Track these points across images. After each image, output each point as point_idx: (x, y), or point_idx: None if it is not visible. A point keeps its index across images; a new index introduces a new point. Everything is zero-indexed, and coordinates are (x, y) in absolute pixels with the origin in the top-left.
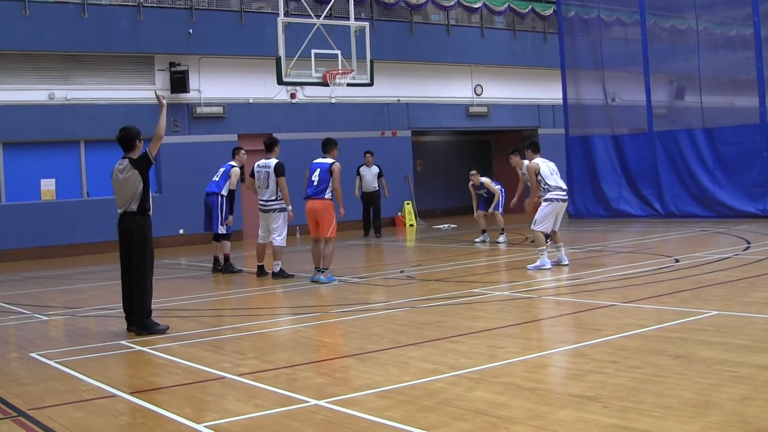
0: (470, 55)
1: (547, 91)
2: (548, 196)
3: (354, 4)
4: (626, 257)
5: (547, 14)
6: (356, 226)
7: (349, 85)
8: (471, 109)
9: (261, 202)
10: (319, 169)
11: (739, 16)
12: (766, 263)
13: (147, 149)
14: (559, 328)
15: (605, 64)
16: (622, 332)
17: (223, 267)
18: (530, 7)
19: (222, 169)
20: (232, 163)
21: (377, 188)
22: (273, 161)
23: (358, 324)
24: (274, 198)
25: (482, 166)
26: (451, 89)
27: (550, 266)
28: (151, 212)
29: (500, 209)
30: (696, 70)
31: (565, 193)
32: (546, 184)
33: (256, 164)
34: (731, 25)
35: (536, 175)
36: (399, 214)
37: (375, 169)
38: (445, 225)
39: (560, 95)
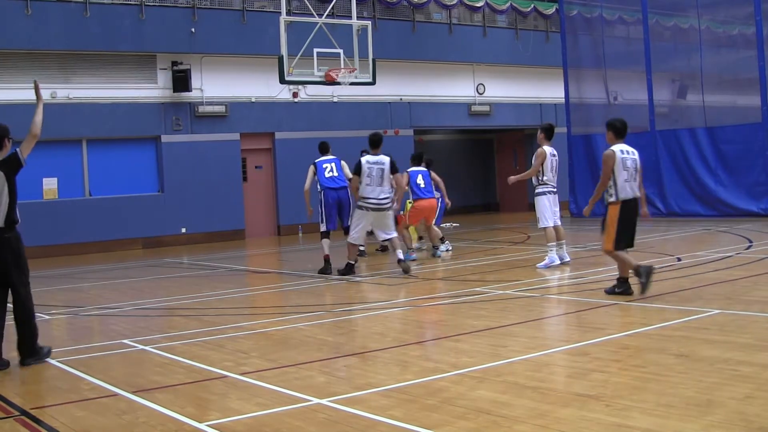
0: (472, 53)
1: (549, 90)
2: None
3: (356, 3)
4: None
5: (550, 13)
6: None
7: (351, 84)
8: (473, 108)
9: (373, 201)
10: (421, 175)
11: (741, 15)
12: (766, 262)
13: (17, 150)
14: (562, 326)
15: (607, 63)
16: (625, 331)
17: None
18: (532, 5)
19: (332, 164)
20: (331, 156)
21: None
22: (386, 158)
23: (360, 323)
24: (388, 196)
25: (484, 165)
26: (453, 88)
27: (559, 262)
28: (18, 224)
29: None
30: (698, 69)
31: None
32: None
33: (364, 161)
34: (733, 24)
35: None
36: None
37: None
38: (448, 224)
39: (562, 94)
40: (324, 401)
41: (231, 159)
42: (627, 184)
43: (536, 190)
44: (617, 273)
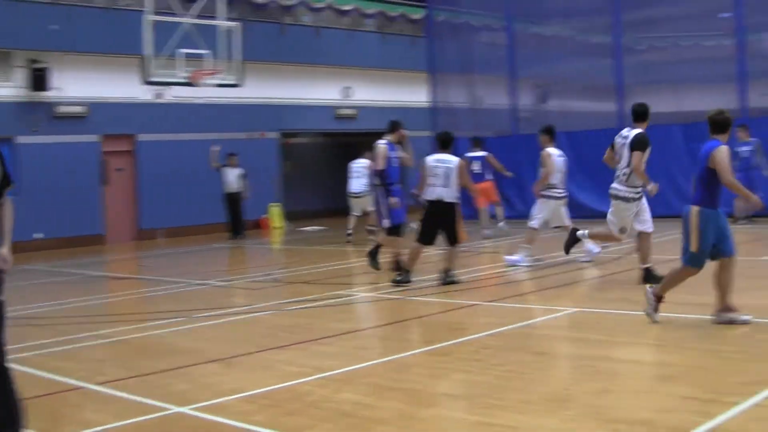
0: (339, 57)
1: (415, 94)
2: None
3: (224, 4)
4: (490, 257)
5: (417, 18)
6: (221, 228)
7: (217, 85)
8: (339, 111)
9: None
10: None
11: (601, 24)
12: (621, 261)
13: None
14: (424, 328)
15: (472, 68)
16: (486, 331)
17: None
18: (400, 10)
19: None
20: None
21: (240, 189)
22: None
23: (223, 328)
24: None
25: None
26: (320, 91)
27: (526, 265)
28: None
29: None
30: (559, 75)
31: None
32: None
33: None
34: (593, 32)
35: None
36: (265, 216)
37: (238, 171)
38: (312, 227)
39: (428, 98)
40: (185, 409)
41: (91, 161)
42: (431, 188)
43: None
44: (480, 273)
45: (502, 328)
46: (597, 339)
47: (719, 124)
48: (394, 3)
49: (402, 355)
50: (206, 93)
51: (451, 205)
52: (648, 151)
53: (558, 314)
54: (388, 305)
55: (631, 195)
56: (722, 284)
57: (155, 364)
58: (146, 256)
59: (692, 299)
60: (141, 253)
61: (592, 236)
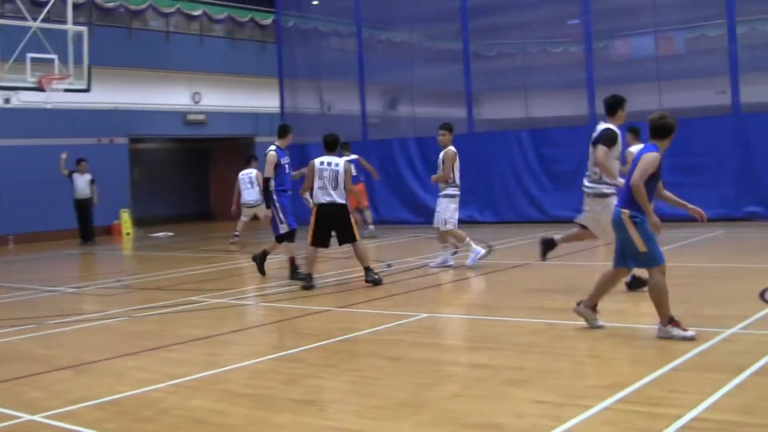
0: (189, 62)
1: (265, 100)
2: None
3: (72, 8)
4: (342, 263)
5: (266, 23)
6: (72, 234)
7: (65, 90)
8: (189, 117)
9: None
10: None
11: (450, 31)
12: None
13: None
14: (277, 333)
15: (322, 74)
16: (338, 336)
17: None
18: (250, 16)
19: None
20: None
21: (89, 195)
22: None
23: (73, 335)
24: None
25: (200, 174)
26: (169, 96)
27: (484, 252)
28: None
29: None
30: (409, 81)
31: None
32: None
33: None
34: (442, 39)
35: None
36: (116, 222)
37: (88, 176)
38: (163, 233)
39: (278, 104)
40: (36, 417)
41: None
42: (321, 191)
43: (442, 192)
44: (331, 279)
45: (354, 334)
46: (448, 344)
47: (657, 129)
48: (243, 8)
49: (254, 361)
50: (55, 98)
51: (343, 206)
52: (616, 147)
53: (410, 319)
54: (240, 311)
55: (607, 190)
56: (602, 286)
57: (6, 372)
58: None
59: (548, 304)
60: None
61: (567, 239)
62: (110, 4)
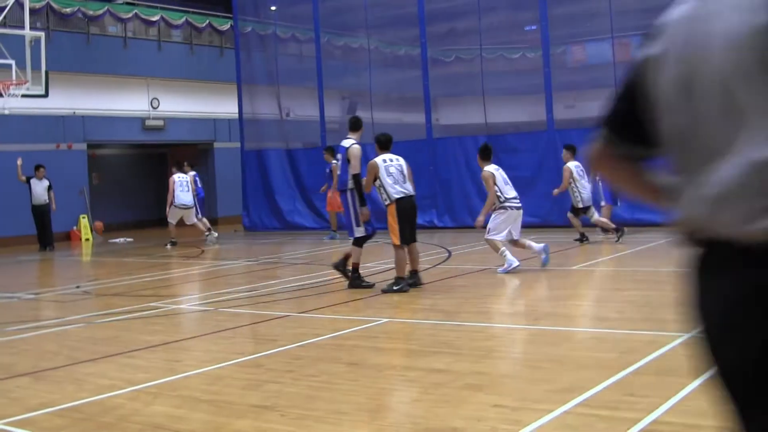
0: (147, 68)
1: (223, 105)
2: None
3: (29, 13)
4: (300, 268)
5: (224, 29)
6: (30, 240)
7: (23, 96)
8: (147, 123)
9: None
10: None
11: (408, 36)
12: (432, 271)
13: None
14: (236, 339)
15: (280, 80)
16: (298, 341)
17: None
18: (207, 21)
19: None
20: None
21: (47, 201)
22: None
23: (31, 341)
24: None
25: (158, 180)
26: (127, 102)
27: (518, 263)
28: None
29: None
30: (367, 86)
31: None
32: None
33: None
34: (400, 45)
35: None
36: (75, 228)
37: (45, 182)
38: (122, 239)
39: (236, 109)
40: None
41: None
42: (395, 187)
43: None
44: (292, 284)
45: (313, 339)
46: (407, 349)
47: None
48: (201, 14)
49: (213, 367)
50: (12, 103)
51: (414, 197)
52: None
53: (369, 324)
54: (199, 317)
55: None
56: None
57: None
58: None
59: (505, 309)
60: None
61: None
62: (68, 10)
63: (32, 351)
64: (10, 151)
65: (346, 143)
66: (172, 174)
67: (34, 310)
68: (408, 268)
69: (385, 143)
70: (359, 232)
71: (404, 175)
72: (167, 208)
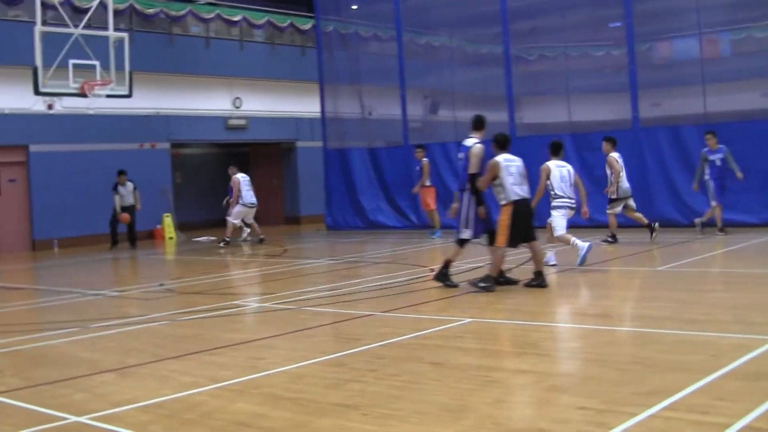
0: (229, 67)
1: (305, 104)
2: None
3: (113, 15)
4: (383, 267)
5: (306, 28)
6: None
7: (107, 96)
8: (230, 122)
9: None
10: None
11: (490, 34)
12: (515, 272)
13: None
14: (319, 338)
15: (362, 79)
16: (380, 341)
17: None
18: (289, 21)
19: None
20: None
21: (133, 203)
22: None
23: (116, 338)
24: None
25: None
26: (210, 101)
27: (588, 245)
28: None
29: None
30: (449, 85)
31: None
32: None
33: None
34: (483, 43)
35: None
36: (158, 226)
37: (130, 185)
38: (205, 237)
39: (318, 108)
40: (82, 419)
41: None
42: (515, 188)
43: (551, 204)
44: (374, 283)
45: (396, 338)
46: (491, 349)
47: None
48: (282, 14)
49: (296, 365)
50: (97, 103)
51: (530, 201)
52: None
53: (452, 324)
54: (281, 316)
55: None
56: None
57: (51, 374)
58: (40, 266)
59: (592, 310)
60: (35, 263)
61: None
62: (150, 11)
63: (117, 347)
64: (95, 151)
65: (468, 142)
66: (235, 173)
67: (118, 308)
68: (532, 268)
69: (503, 143)
70: (465, 234)
71: (522, 177)
72: (230, 208)
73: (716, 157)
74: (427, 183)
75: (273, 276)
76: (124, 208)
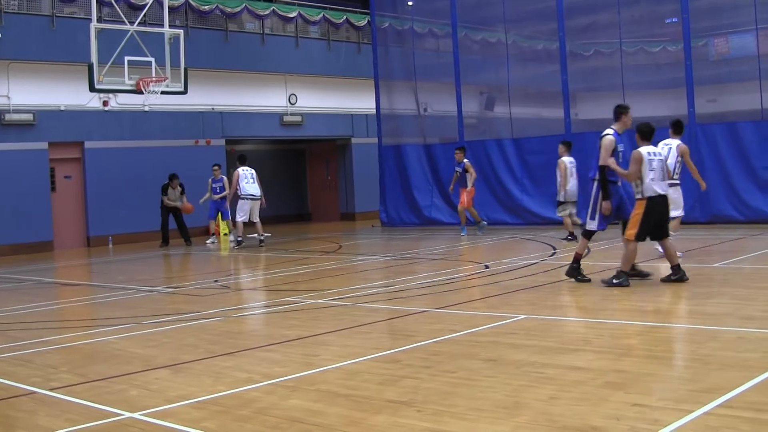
0: (285, 64)
1: (360, 101)
2: None
3: (168, 12)
4: (438, 264)
5: (362, 25)
6: (171, 235)
7: (163, 93)
8: (285, 118)
9: None
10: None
11: (546, 30)
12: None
13: None
14: (373, 334)
15: (418, 75)
16: (435, 337)
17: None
18: (345, 17)
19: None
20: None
21: (178, 205)
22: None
23: (171, 334)
24: None
25: (296, 175)
26: (265, 98)
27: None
28: None
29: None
30: (505, 81)
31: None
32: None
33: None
34: (538, 39)
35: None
36: (214, 222)
37: (178, 189)
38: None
39: (373, 105)
40: (136, 415)
41: (39, 169)
42: (654, 183)
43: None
44: (428, 280)
45: (450, 335)
46: (545, 346)
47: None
48: (338, 10)
49: (350, 362)
50: (152, 100)
51: (667, 197)
52: None
53: (506, 321)
54: (335, 312)
55: None
56: None
57: (106, 370)
58: (95, 262)
59: (647, 306)
60: (90, 259)
61: None
62: (206, 7)
63: (172, 344)
64: (149, 147)
65: (605, 132)
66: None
67: (173, 304)
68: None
69: (647, 134)
70: (592, 225)
71: (664, 173)
72: (226, 201)
73: None
74: (470, 185)
75: (327, 272)
76: (171, 208)
